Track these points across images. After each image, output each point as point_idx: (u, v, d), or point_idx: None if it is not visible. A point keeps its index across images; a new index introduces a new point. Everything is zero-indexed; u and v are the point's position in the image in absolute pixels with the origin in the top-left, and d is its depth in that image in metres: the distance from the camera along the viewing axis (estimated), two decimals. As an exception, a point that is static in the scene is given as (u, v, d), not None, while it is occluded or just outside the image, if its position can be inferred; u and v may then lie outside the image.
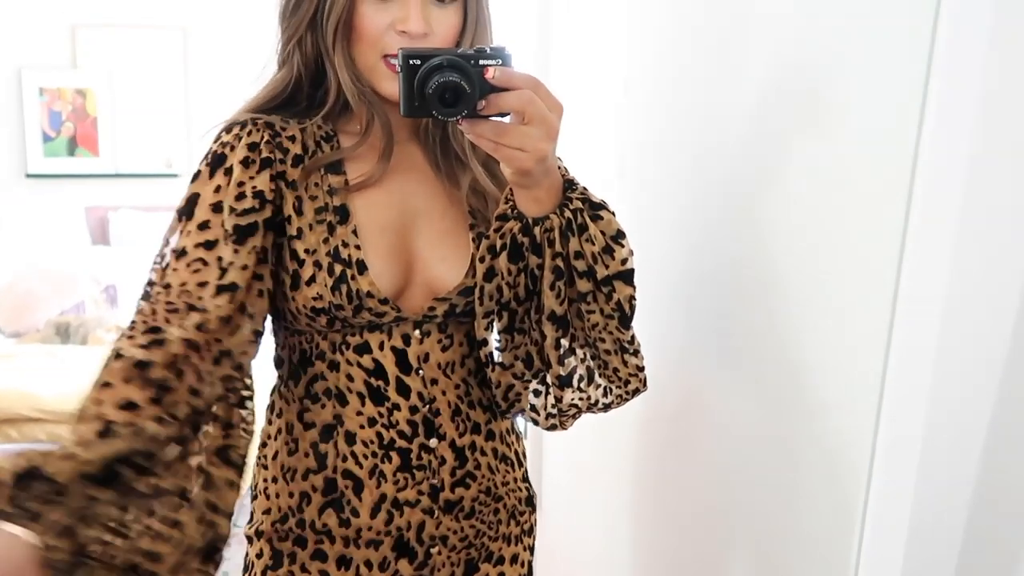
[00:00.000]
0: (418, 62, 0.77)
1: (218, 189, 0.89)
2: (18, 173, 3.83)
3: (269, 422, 1.03)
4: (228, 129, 0.94)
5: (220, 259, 0.86)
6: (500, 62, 0.77)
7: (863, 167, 0.84)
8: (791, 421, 1.00)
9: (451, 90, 0.75)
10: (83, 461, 0.72)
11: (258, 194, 0.89)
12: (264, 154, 0.91)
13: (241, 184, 0.89)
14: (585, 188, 0.89)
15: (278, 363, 1.01)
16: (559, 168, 0.96)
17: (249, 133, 0.93)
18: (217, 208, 0.88)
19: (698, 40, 1.21)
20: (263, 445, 1.04)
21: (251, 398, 0.90)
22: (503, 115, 0.77)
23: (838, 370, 0.90)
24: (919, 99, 0.74)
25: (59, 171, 3.81)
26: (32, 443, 2.37)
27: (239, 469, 0.86)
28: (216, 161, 0.91)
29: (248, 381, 0.90)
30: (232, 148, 0.91)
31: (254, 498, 1.03)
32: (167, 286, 0.85)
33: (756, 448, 1.08)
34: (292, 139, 0.94)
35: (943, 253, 0.74)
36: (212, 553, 0.82)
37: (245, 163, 0.90)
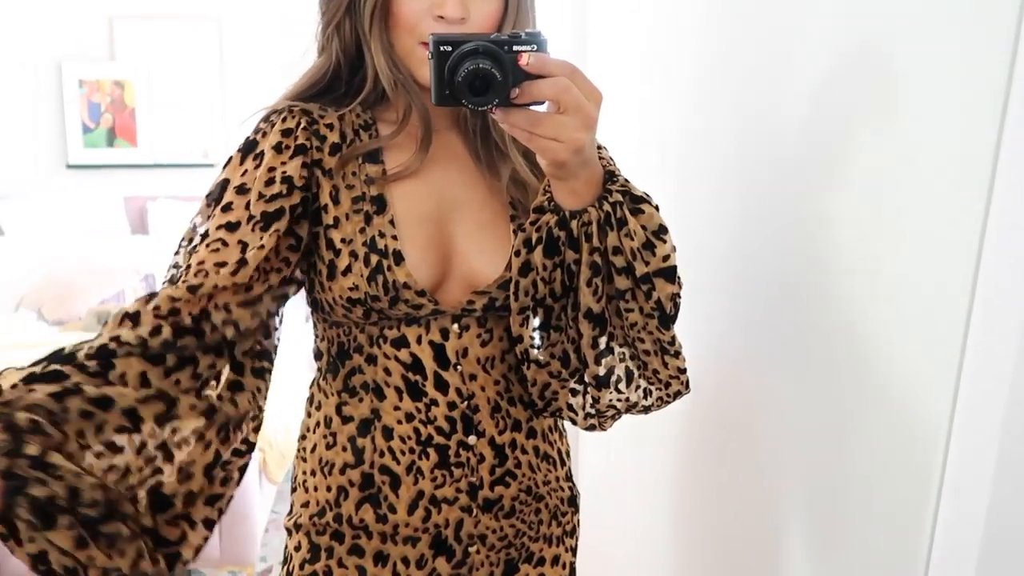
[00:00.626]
0: (449, 48, 0.73)
1: (245, 174, 0.88)
2: (59, 164, 3.90)
3: (308, 415, 1.03)
4: (266, 117, 0.94)
5: (242, 243, 0.84)
6: (535, 47, 0.74)
7: (938, 155, 0.79)
8: (852, 420, 0.96)
9: (481, 77, 0.72)
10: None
11: (287, 179, 0.88)
12: (299, 140, 0.90)
13: (272, 169, 0.88)
14: (627, 180, 0.86)
15: (317, 356, 1.01)
16: (601, 159, 0.93)
17: (284, 120, 0.92)
18: (241, 190, 0.87)
19: (750, 18, 1.17)
20: (302, 438, 1.03)
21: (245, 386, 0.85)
22: (538, 103, 0.74)
23: (907, 366, 0.86)
24: (1004, 78, 0.70)
25: (99, 162, 3.87)
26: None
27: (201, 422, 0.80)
28: (248, 147, 0.91)
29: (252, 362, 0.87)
30: (264, 135, 0.91)
31: (293, 490, 1.03)
32: (188, 267, 0.84)
33: (810, 448, 1.05)
34: (330, 127, 0.93)
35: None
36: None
37: (277, 148, 0.90)
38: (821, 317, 1.00)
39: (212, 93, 3.93)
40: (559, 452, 1.04)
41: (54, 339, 3.00)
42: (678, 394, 0.95)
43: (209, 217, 0.87)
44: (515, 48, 0.73)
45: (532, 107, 0.74)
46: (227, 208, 0.86)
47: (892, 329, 0.88)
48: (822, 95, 0.99)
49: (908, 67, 0.84)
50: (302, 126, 0.91)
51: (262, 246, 0.84)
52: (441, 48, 0.73)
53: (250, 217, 0.85)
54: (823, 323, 1.00)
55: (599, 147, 0.94)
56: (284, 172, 0.88)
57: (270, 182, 0.87)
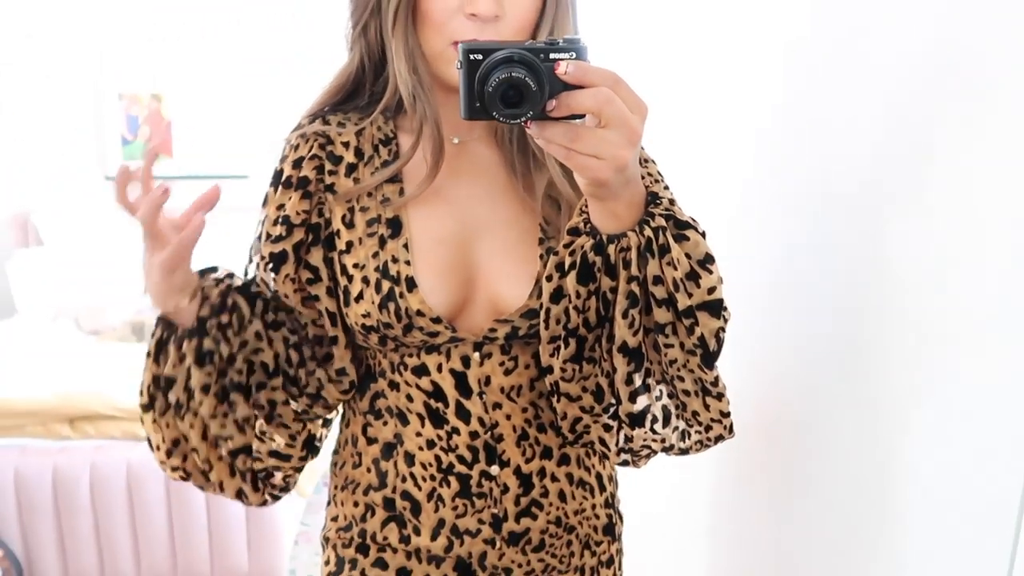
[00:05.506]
0: (479, 56, 0.68)
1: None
2: (98, 176, 3.96)
3: (340, 431, 1.03)
4: (289, 139, 0.94)
5: (266, 283, 0.93)
6: (574, 55, 0.68)
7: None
8: (920, 444, 0.91)
9: (514, 87, 0.66)
10: None
11: (285, 220, 0.90)
12: (303, 172, 0.91)
13: (280, 207, 0.91)
14: (672, 202, 0.79)
15: (344, 372, 1.00)
16: (649, 175, 0.89)
17: (296, 147, 0.92)
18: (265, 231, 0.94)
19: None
20: (335, 452, 1.03)
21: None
22: (577, 117, 0.69)
23: (979, 390, 0.82)
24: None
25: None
26: (108, 440, 2.43)
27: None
28: (275, 179, 0.93)
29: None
30: (285, 160, 0.93)
31: (329, 502, 1.04)
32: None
33: (867, 468, 1.00)
34: (346, 145, 0.92)
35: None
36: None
37: (285, 183, 0.92)
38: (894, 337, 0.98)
39: (247, 105, 3.97)
40: (597, 477, 0.99)
41: (90, 349, 3.04)
42: (720, 438, 0.88)
43: (256, 251, 0.94)
44: (552, 56, 0.68)
45: (571, 120, 0.69)
46: (256, 250, 0.95)
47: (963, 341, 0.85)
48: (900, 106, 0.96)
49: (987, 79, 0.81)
50: (313, 151, 0.91)
51: (286, 295, 0.92)
52: (471, 56, 0.68)
53: (262, 258, 0.92)
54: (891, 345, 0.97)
55: (646, 161, 0.91)
56: (284, 213, 0.90)
57: (275, 222, 0.91)
